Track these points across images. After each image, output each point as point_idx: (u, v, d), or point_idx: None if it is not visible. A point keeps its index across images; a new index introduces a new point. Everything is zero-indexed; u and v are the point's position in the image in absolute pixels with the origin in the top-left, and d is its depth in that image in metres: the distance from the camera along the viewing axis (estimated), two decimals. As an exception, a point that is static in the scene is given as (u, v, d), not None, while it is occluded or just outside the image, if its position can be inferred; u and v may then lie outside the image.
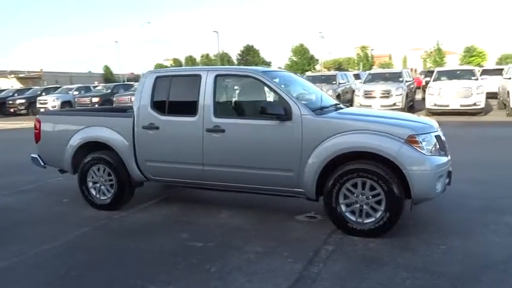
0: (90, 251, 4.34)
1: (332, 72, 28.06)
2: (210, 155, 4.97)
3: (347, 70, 56.33)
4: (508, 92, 15.44)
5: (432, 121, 4.91)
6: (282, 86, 4.92)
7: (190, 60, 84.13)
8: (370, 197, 4.34)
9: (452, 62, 67.95)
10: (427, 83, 26.07)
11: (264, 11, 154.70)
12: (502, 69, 20.29)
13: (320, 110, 4.78)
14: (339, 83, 19.62)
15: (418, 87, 36.83)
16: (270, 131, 4.71)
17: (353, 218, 4.44)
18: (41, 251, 4.35)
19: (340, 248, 4.15)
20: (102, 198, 5.66)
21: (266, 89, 4.97)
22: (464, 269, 3.66)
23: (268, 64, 73.44)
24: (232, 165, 4.90)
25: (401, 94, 16.75)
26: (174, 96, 5.33)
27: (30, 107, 24.95)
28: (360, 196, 4.38)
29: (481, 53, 63.62)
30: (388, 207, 4.24)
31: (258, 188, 4.93)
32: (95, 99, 22.70)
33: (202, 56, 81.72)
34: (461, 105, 15.48)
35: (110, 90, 24.30)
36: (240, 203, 5.74)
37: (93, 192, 5.69)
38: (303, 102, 4.82)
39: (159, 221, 5.19)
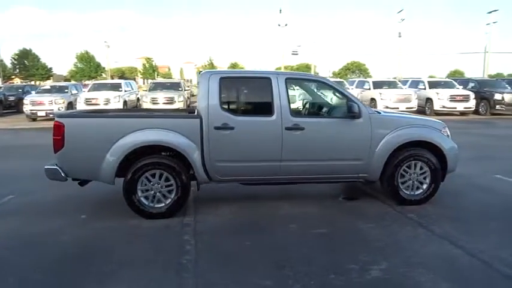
0: (248, 250, 3.82)
1: (117, 81, 26.55)
2: (288, 151, 4.90)
3: (133, 79, 55.04)
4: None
5: None
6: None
7: None
8: (419, 175, 5.23)
9: (221, 75, 74.56)
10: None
11: (45, 17, 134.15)
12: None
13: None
14: (125, 90, 18.73)
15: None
16: (345, 127, 5.04)
17: (407, 192, 5.24)
18: (195, 262, 3.56)
19: (419, 215, 4.86)
20: (157, 206, 4.75)
21: (331, 91, 5.24)
22: (499, 213, 4.98)
23: (49, 70, 64.49)
24: (310, 159, 4.99)
25: (182, 101, 17.96)
26: (244, 97, 5.01)
27: None
28: (412, 174, 5.22)
29: (242, 68, 72.09)
30: (433, 180, 5.22)
31: (329, 177, 5.17)
32: None
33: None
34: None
35: None
36: (275, 194, 5.73)
37: (145, 201, 4.71)
38: None
39: (238, 220, 4.78)
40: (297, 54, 46.97)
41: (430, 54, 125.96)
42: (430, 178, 5.22)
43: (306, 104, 5.73)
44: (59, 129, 4.52)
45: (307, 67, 69.14)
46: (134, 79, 54.14)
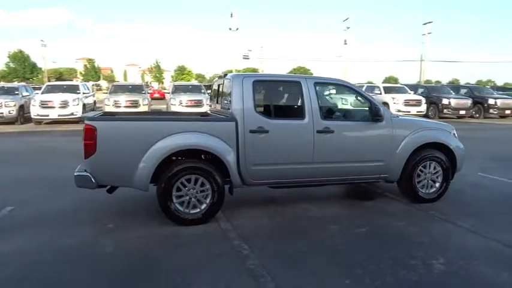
0: (307, 252, 3.85)
1: (75, 82, 25.21)
2: (319, 154, 5.02)
3: (69, 80, 52.30)
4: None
5: None
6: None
7: None
8: (433, 174, 5.58)
9: (167, 78, 73.33)
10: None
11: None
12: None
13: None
14: (83, 93, 17.95)
15: (162, 98, 39.68)
16: (370, 130, 5.27)
17: (423, 191, 5.57)
18: (263, 267, 3.53)
19: (439, 212, 5.19)
20: (192, 212, 4.63)
21: (354, 95, 5.42)
22: (505, 207, 5.47)
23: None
24: (338, 161, 5.13)
25: (147, 104, 17.83)
26: (276, 100, 5.05)
27: None
28: (427, 174, 5.56)
29: (189, 71, 71.25)
30: (445, 179, 5.60)
31: (355, 178, 5.37)
32: None
33: None
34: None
35: None
36: (293, 197, 5.82)
37: (180, 207, 4.58)
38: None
39: (275, 223, 4.80)
40: (248, 58, 47.50)
41: (370, 61, 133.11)
42: (442, 177, 5.59)
43: (334, 106, 5.89)
44: (91, 133, 4.25)
45: (254, 71, 69.82)
46: (71, 80, 51.38)
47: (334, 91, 6.05)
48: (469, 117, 20.78)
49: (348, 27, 46.02)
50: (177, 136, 4.50)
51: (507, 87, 35.98)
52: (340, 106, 6.07)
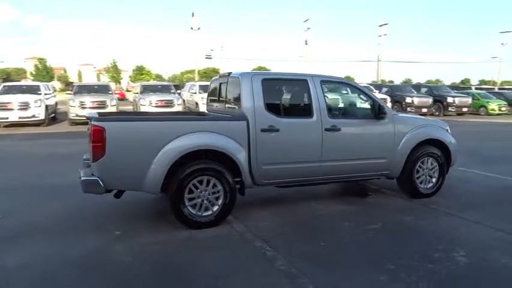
0: (333, 250, 3.85)
1: (35, 83, 24.00)
2: (327, 152, 5.04)
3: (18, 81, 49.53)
4: (196, 102, 18.51)
5: None
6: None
7: None
8: (430, 169, 5.77)
9: (125, 79, 71.35)
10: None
11: None
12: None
13: (390, 111, 5.78)
14: (44, 93, 17.03)
15: (122, 99, 38.43)
16: (374, 127, 5.37)
17: (421, 186, 5.75)
18: (296, 268, 3.48)
19: (440, 206, 5.40)
20: (204, 214, 4.49)
21: (357, 94, 5.49)
22: (495, 198, 5.76)
23: None
24: (345, 159, 5.18)
25: (115, 105, 16.99)
26: (285, 98, 5.00)
27: None
28: (426, 170, 5.74)
29: (148, 71, 69.45)
30: (441, 174, 5.81)
31: (359, 176, 5.45)
32: None
33: None
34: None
35: None
36: (296, 196, 5.81)
37: (192, 210, 4.43)
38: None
39: (288, 222, 4.77)
40: (211, 58, 47.13)
41: (327, 62, 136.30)
42: (438, 172, 5.80)
43: (340, 105, 5.93)
44: (99, 135, 4.00)
45: (215, 71, 69.22)
46: (19, 81, 48.63)
47: (338, 89, 6.12)
48: (430, 115, 21.75)
49: (309, 28, 46.87)
50: (190, 136, 4.34)
51: (460, 86, 38.13)
52: (344, 104, 6.13)
